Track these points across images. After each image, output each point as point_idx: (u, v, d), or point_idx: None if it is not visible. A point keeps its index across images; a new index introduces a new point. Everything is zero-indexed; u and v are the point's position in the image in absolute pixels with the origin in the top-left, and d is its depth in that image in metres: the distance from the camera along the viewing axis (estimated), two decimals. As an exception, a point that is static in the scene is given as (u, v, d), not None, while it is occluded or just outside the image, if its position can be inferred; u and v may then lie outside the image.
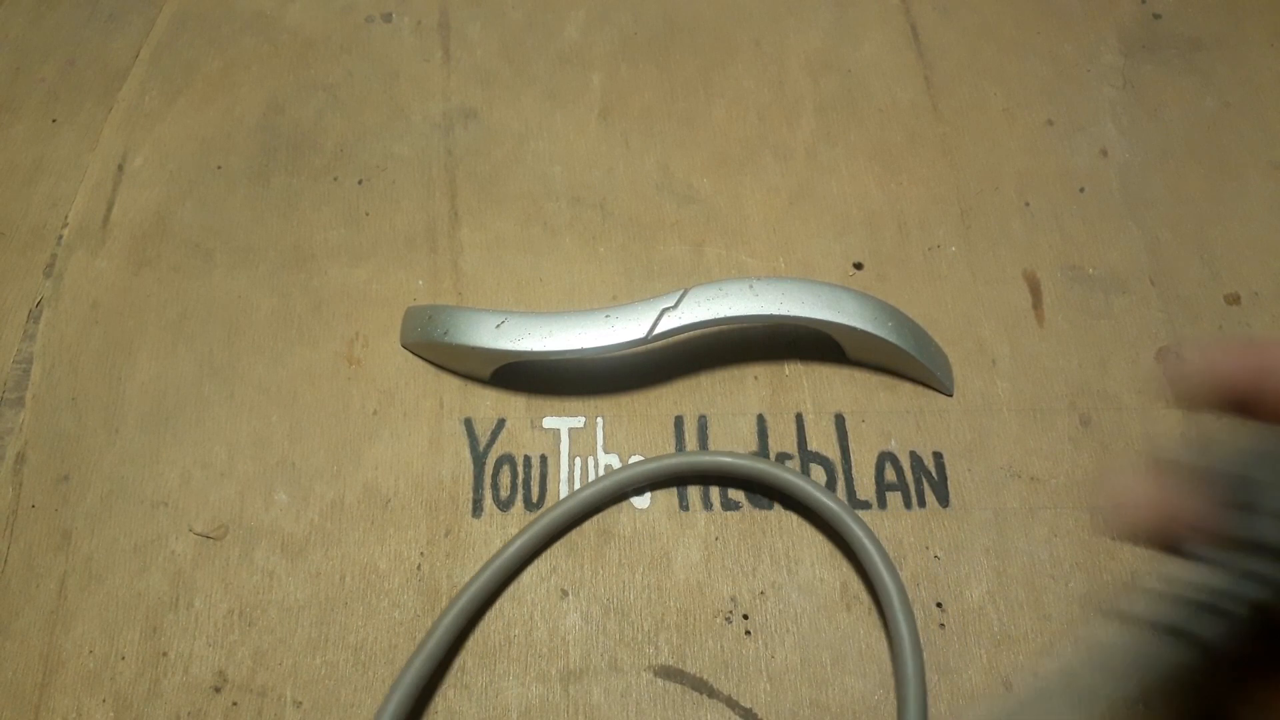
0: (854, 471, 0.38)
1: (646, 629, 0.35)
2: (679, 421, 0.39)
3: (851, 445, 0.38)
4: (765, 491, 0.37)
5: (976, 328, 0.41)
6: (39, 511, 0.37)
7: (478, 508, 0.37)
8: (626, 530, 0.37)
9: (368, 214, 0.44)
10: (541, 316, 0.38)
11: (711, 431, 0.39)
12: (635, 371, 0.40)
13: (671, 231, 0.44)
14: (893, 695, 0.33)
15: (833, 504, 0.35)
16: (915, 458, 0.38)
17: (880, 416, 0.39)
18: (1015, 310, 0.41)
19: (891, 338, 0.38)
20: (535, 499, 0.37)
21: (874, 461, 0.38)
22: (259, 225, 0.44)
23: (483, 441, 0.38)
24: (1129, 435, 0.38)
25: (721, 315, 0.37)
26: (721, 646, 0.34)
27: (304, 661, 0.34)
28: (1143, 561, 0.35)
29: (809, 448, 0.38)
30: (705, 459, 0.37)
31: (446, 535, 0.36)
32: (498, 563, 0.35)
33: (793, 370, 0.40)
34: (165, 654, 0.34)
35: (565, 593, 0.35)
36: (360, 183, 0.45)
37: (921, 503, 0.37)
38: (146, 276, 0.42)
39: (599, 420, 0.39)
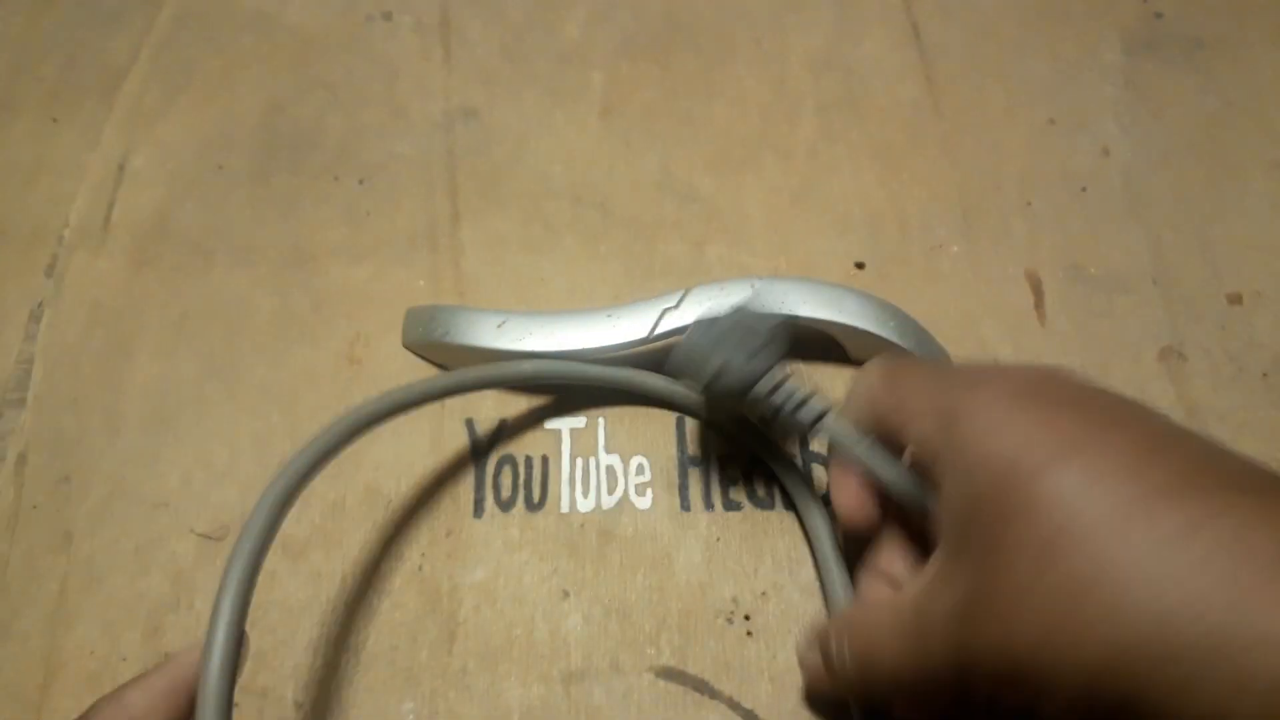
0: (855, 472, 0.38)
1: (648, 630, 0.35)
2: (680, 421, 0.39)
3: (853, 445, 0.38)
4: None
5: (978, 327, 0.41)
6: (40, 512, 0.37)
7: (479, 508, 0.37)
8: (628, 531, 0.37)
9: (368, 213, 0.44)
10: (543, 316, 0.38)
11: (713, 431, 0.38)
12: (636, 371, 0.40)
13: (673, 231, 0.43)
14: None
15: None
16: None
17: (882, 417, 0.39)
18: (1017, 310, 0.41)
19: (893, 337, 0.38)
20: (536, 499, 0.37)
21: (875, 462, 0.38)
22: (259, 225, 0.44)
23: (484, 442, 0.38)
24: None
25: (723, 315, 0.37)
26: (723, 647, 0.34)
27: (305, 662, 0.34)
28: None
29: (810, 447, 0.38)
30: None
31: (448, 536, 0.36)
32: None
33: (794, 370, 0.40)
34: (167, 655, 0.34)
35: (566, 594, 0.35)
36: (361, 182, 0.45)
37: (923, 503, 0.37)
38: (147, 276, 0.42)
39: (600, 420, 0.39)
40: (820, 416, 0.31)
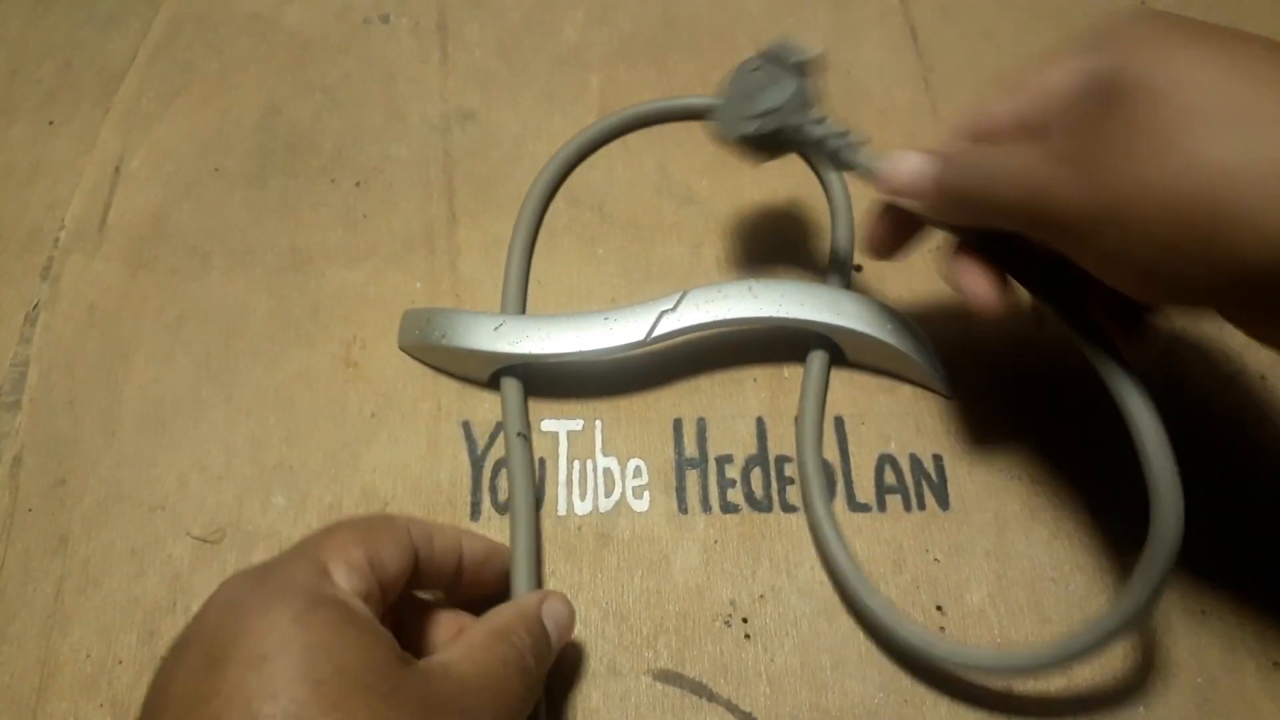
0: (854, 474, 0.38)
1: (645, 633, 0.35)
2: (678, 424, 0.39)
3: (851, 448, 0.38)
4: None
5: (975, 330, 0.41)
6: (36, 515, 0.37)
7: (476, 511, 0.37)
8: (625, 533, 0.36)
9: (365, 216, 0.44)
10: (540, 319, 0.38)
11: (710, 434, 0.38)
12: (634, 374, 0.39)
13: (670, 233, 0.43)
14: (892, 698, 0.33)
15: None
16: (915, 460, 0.38)
17: (880, 419, 0.39)
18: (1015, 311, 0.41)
19: (891, 340, 0.37)
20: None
21: (874, 464, 0.38)
22: (256, 227, 0.44)
23: (481, 444, 0.38)
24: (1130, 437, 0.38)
25: (720, 318, 0.37)
26: (721, 650, 0.34)
27: (302, 666, 0.34)
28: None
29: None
30: None
31: (445, 538, 0.36)
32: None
33: (792, 373, 0.40)
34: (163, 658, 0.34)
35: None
36: (358, 184, 0.45)
37: (921, 505, 0.37)
38: (143, 279, 0.42)
39: (597, 423, 0.39)
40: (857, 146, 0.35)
